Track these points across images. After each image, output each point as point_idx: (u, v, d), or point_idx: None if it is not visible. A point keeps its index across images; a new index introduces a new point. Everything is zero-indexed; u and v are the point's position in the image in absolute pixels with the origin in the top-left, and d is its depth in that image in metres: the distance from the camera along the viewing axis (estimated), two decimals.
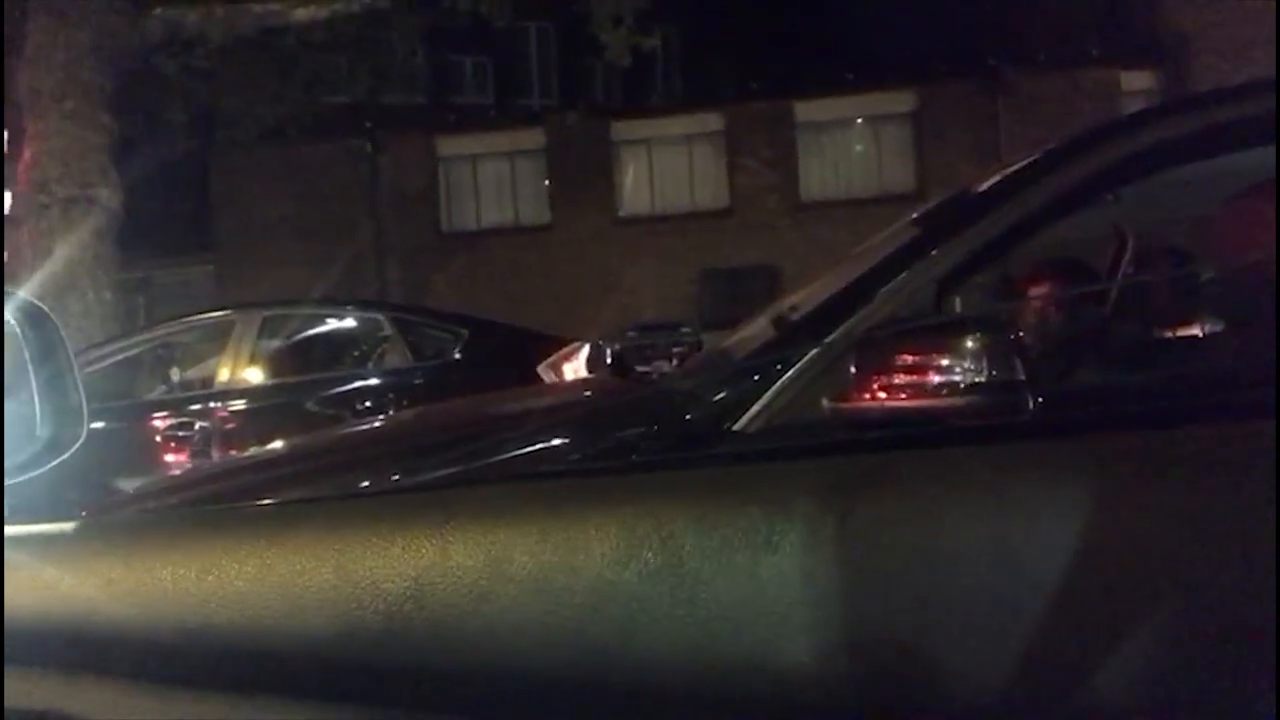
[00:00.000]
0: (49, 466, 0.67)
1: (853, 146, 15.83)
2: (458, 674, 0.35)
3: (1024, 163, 1.67)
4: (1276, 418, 0.35)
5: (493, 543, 0.35)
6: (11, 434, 0.72)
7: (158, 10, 7.64)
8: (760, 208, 15.38)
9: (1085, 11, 14.62)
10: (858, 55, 14.12)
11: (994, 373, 1.12)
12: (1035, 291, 2.04)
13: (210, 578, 0.36)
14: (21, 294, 0.75)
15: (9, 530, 0.41)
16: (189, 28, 8.04)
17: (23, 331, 0.75)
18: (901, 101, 15.39)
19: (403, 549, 0.36)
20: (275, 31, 8.85)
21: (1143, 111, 1.72)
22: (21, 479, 0.67)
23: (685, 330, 13.48)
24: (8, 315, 0.77)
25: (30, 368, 0.70)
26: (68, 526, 0.42)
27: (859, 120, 15.76)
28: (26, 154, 6.98)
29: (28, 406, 0.70)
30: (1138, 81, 14.07)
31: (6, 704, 0.37)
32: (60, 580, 0.37)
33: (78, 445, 0.65)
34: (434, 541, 0.36)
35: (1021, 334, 1.35)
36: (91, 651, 0.37)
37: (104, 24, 7.11)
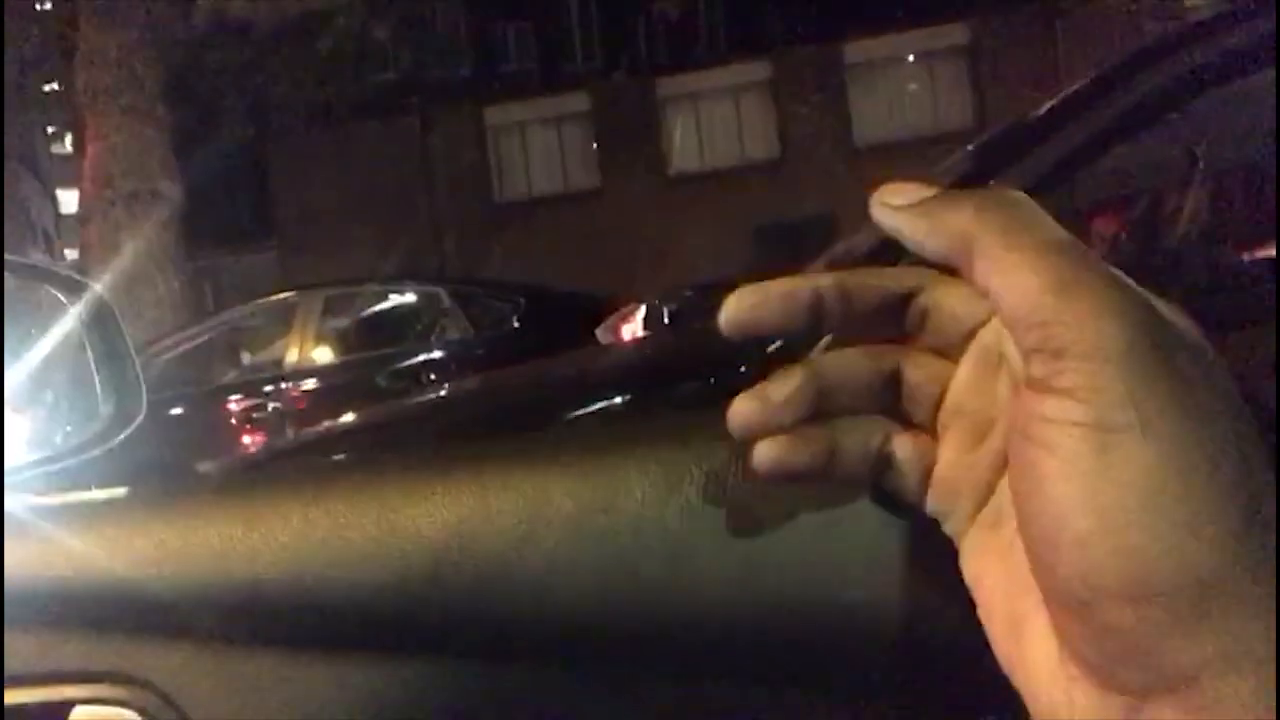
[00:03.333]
0: (114, 442, 0.69)
1: (906, 85, 15.44)
2: (504, 619, 0.35)
3: (1079, 85, 1.61)
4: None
5: (531, 487, 0.35)
6: (75, 413, 0.74)
7: (204, 1, 7.75)
8: (813, 156, 15.12)
9: None
10: None
11: None
12: (1101, 219, 1.97)
13: (255, 535, 0.37)
14: (69, 274, 0.77)
15: (62, 499, 0.43)
16: (235, 16, 8.15)
17: (85, 317, 0.77)
18: (954, 35, 14.94)
19: (442, 496, 0.36)
20: (319, 14, 8.93)
21: (1200, 23, 1.64)
22: (90, 455, 0.69)
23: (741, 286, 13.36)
24: (72, 303, 0.79)
25: (88, 348, 0.72)
26: (118, 493, 0.43)
27: (911, 58, 15.35)
28: (89, 152, 7.18)
29: (89, 387, 0.72)
30: None
31: (70, 666, 0.38)
32: (112, 545, 0.38)
33: (139, 420, 0.67)
34: (473, 488, 0.36)
35: None
36: (146, 613, 0.38)
37: (153, 18, 7.24)
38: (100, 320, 0.75)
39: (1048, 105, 1.64)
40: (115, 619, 0.38)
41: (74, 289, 0.81)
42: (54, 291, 0.82)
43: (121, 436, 0.68)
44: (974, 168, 1.66)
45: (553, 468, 0.35)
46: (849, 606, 0.34)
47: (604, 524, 0.34)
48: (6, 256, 0.90)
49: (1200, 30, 1.61)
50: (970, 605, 0.30)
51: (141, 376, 0.71)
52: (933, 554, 0.35)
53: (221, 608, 0.37)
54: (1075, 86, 1.63)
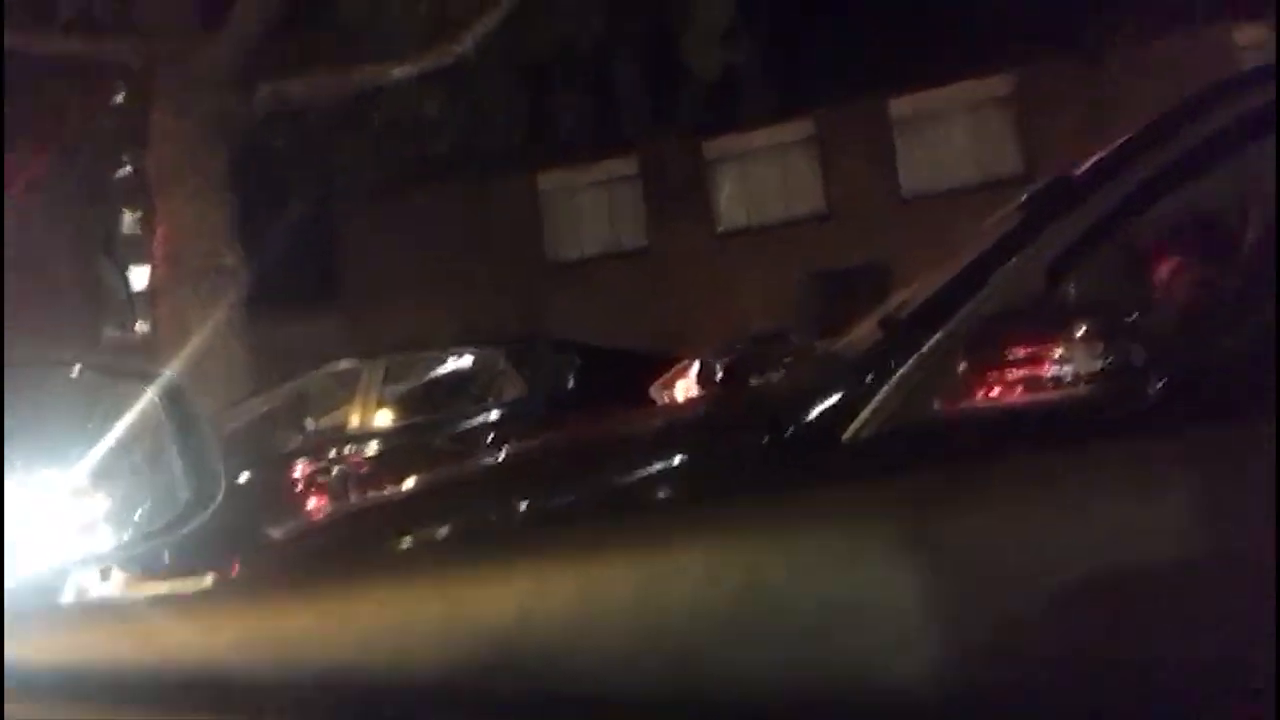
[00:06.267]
0: (194, 525, 0.72)
1: (953, 137, 15.42)
2: (564, 697, 0.37)
3: (1133, 133, 1.60)
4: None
5: (588, 575, 0.37)
6: (156, 498, 0.78)
7: (265, 86, 8.08)
8: (860, 208, 15.12)
9: None
10: (950, 44, 13.75)
11: (1110, 359, 1.08)
12: (1155, 268, 1.94)
13: (330, 623, 0.39)
14: (164, 371, 0.82)
15: (161, 587, 0.46)
16: (296, 97, 8.48)
17: (164, 405, 0.81)
18: (1000, 85, 14.93)
19: (504, 584, 0.38)
20: (375, 91, 9.25)
21: (1256, 69, 1.63)
22: (171, 537, 0.73)
23: (794, 339, 13.30)
24: (151, 392, 0.84)
25: (172, 437, 0.76)
26: (205, 582, 0.46)
27: (957, 109, 15.35)
28: (159, 231, 7.49)
29: (168, 474, 0.76)
30: (1251, 35, 13.23)
31: None
32: (206, 632, 0.40)
33: (215, 505, 0.71)
34: (533, 576, 0.38)
35: (1139, 315, 1.30)
36: (238, 693, 0.40)
37: (216, 106, 7.57)
38: (182, 408, 0.79)
39: (1099, 155, 1.64)
40: (207, 701, 0.40)
41: (151, 379, 0.85)
42: (133, 381, 0.87)
43: (201, 519, 0.71)
44: (1026, 218, 1.65)
45: (608, 557, 0.37)
46: (908, 688, 0.35)
47: (657, 609, 0.36)
48: (90, 358, 0.96)
49: (1255, 76, 1.61)
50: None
51: (220, 461, 0.74)
52: (991, 628, 0.36)
53: (299, 691, 0.39)
54: (1128, 135, 1.63)
